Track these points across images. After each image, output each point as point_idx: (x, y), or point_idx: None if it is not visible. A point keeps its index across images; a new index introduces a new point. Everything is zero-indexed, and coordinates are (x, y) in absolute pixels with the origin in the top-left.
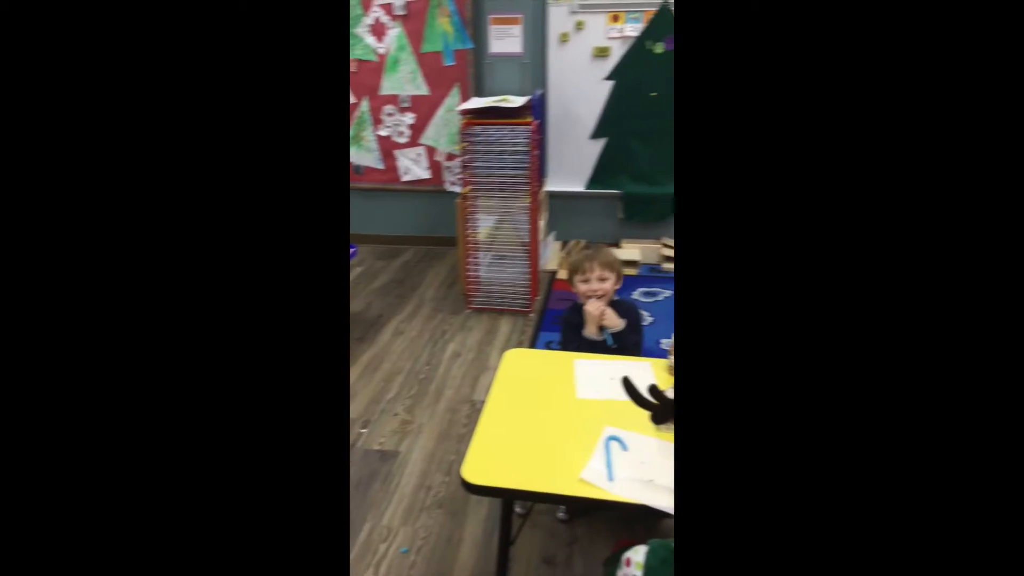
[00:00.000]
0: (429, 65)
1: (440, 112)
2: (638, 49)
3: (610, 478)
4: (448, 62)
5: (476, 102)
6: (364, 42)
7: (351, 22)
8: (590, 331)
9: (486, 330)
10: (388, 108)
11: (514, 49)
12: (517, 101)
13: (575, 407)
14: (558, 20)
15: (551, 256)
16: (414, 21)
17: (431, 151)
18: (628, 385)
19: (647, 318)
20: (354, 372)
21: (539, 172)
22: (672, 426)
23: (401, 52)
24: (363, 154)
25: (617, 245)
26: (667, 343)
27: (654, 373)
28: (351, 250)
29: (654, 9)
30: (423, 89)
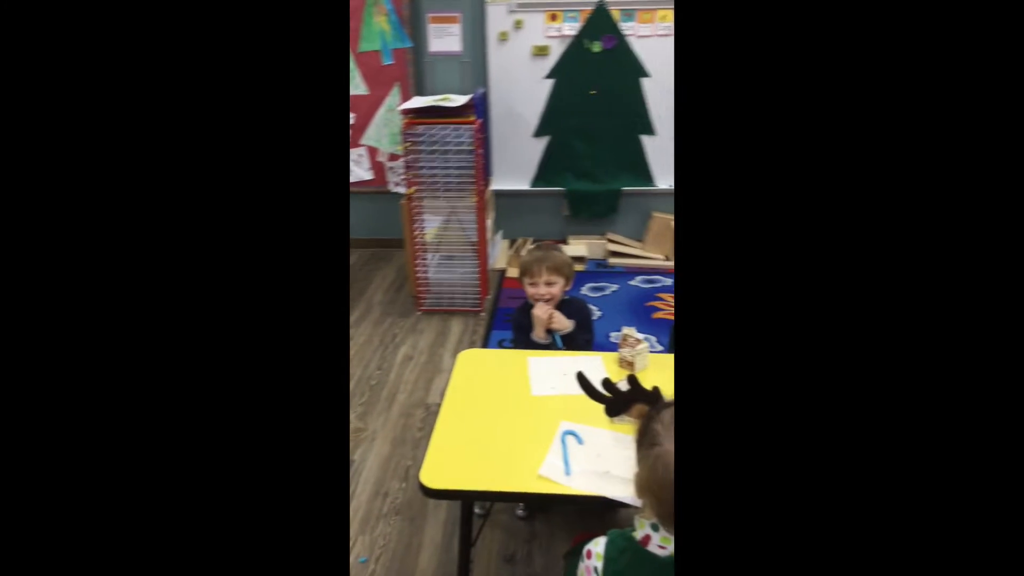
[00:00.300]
0: (367, 64)
1: (381, 112)
2: (576, 48)
3: (568, 472)
4: (387, 61)
5: (417, 101)
6: None
7: None
8: (538, 335)
9: (437, 331)
10: None
11: (454, 48)
12: (459, 100)
13: (530, 404)
14: (496, 19)
15: (499, 255)
16: (350, 20)
17: (373, 152)
18: (582, 380)
19: (595, 312)
20: None
21: (484, 171)
22: (625, 418)
23: None
24: None
25: (564, 242)
26: (616, 336)
27: (605, 367)
28: None
29: (590, 8)
30: (361, 89)
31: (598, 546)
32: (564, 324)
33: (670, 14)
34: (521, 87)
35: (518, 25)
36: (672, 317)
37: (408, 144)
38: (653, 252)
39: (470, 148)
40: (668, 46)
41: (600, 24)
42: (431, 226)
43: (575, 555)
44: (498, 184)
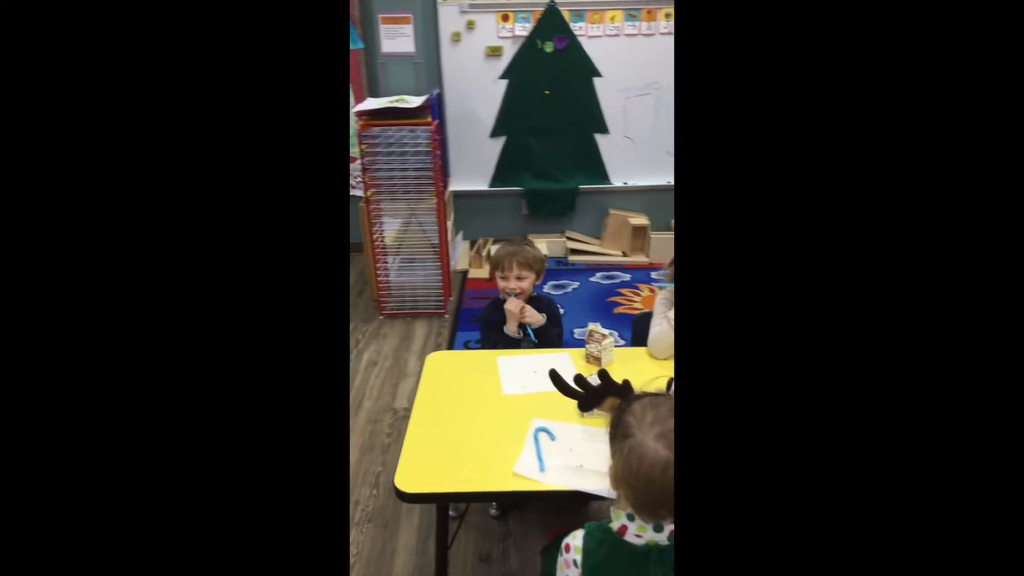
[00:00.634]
0: None
1: None
2: (529, 48)
3: (542, 469)
4: None
5: (372, 103)
6: None
7: None
8: (511, 328)
9: (401, 335)
10: None
11: (406, 49)
12: (414, 101)
13: (502, 404)
14: (449, 19)
15: (461, 256)
16: None
17: None
18: (555, 377)
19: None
20: None
21: (442, 172)
22: (596, 413)
23: None
24: None
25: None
26: (580, 333)
27: (572, 363)
28: None
29: (541, 9)
30: None
31: (576, 539)
32: (536, 318)
33: (620, 14)
34: (476, 88)
35: (470, 26)
36: (633, 312)
37: (364, 146)
38: (611, 249)
39: (427, 149)
40: (618, 46)
41: (551, 24)
42: (390, 228)
43: (553, 550)
44: (456, 185)
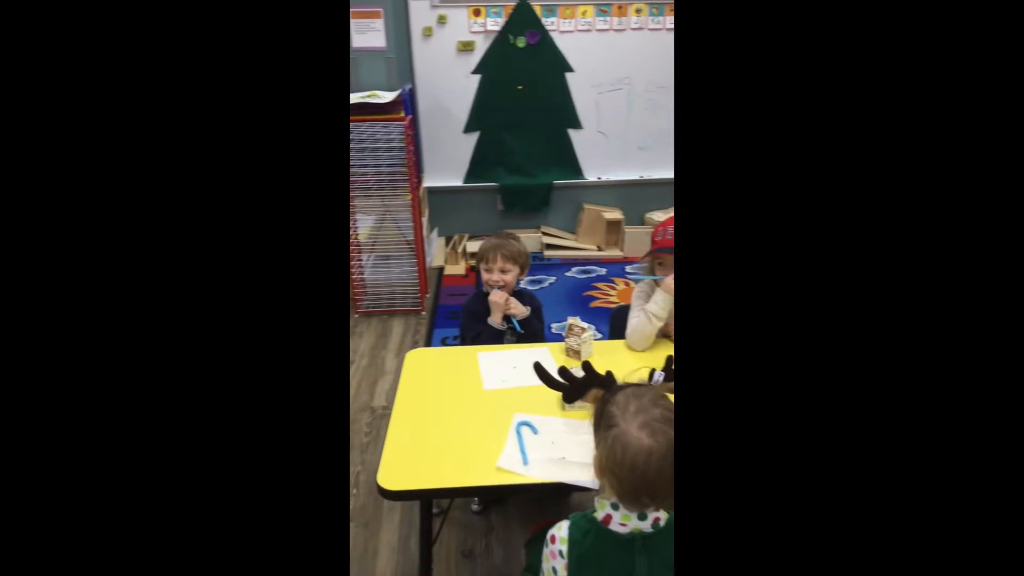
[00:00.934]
0: None
1: None
2: (501, 43)
3: (525, 462)
4: None
5: None
6: None
7: None
8: (495, 320)
9: (378, 334)
10: None
11: (377, 43)
12: (386, 96)
13: (483, 399)
14: (420, 14)
15: (436, 252)
16: None
17: None
18: (540, 370)
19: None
20: None
21: (416, 168)
22: (578, 405)
23: None
24: None
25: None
26: (558, 327)
27: (553, 357)
28: None
29: (512, 4)
30: None
31: (561, 530)
32: (521, 310)
33: (591, 9)
34: (448, 83)
35: (442, 20)
36: (610, 305)
37: None
38: (586, 243)
39: (401, 145)
40: (590, 41)
41: (523, 19)
42: (364, 225)
43: (537, 542)
44: (431, 181)
